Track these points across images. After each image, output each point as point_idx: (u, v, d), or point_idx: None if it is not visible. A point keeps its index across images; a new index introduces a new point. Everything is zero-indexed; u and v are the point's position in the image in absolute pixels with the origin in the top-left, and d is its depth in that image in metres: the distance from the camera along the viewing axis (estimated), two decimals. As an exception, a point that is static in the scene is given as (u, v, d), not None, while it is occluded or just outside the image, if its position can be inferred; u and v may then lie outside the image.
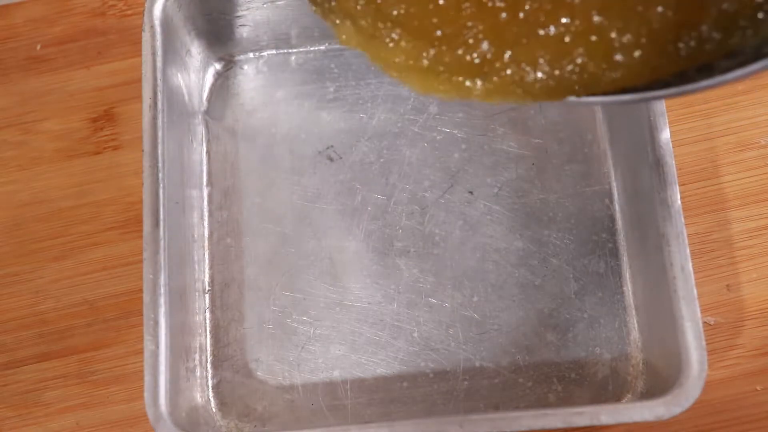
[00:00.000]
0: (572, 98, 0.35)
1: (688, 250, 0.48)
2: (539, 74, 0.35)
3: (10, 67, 0.60)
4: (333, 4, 0.39)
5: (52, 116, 0.59)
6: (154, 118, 0.51)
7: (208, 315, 0.54)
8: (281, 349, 0.54)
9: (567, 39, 0.34)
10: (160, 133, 0.51)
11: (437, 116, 0.58)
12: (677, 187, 0.49)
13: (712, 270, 0.55)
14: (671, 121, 0.52)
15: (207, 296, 0.55)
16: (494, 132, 0.57)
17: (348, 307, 0.54)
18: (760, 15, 0.33)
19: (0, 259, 0.57)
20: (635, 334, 0.53)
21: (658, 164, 0.50)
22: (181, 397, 0.49)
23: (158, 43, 0.53)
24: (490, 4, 0.35)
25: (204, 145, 0.58)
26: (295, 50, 0.59)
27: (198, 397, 0.52)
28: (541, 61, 0.35)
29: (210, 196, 0.57)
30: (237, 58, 0.59)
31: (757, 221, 0.55)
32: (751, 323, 0.54)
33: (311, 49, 0.59)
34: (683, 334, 0.47)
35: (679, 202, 0.49)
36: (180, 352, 0.50)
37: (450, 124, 0.58)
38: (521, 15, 0.35)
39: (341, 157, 0.57)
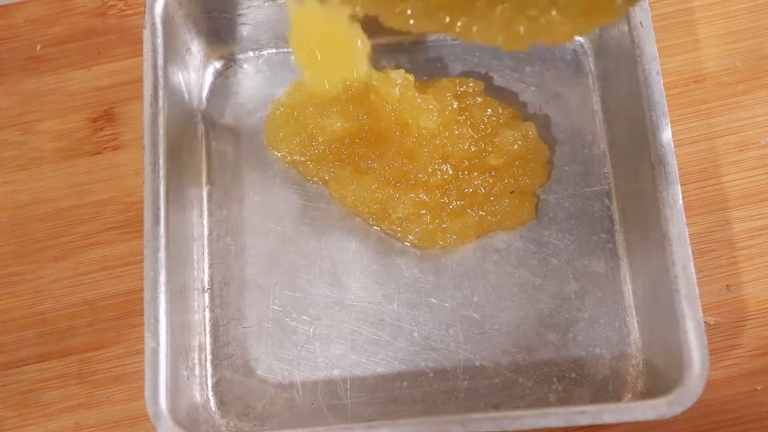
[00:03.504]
0: None
1: (690, 250, 0.48)
2: None
3: (10, 67, 0.60)
4: None
5: (52, 116, 0.59)
6: (155, 115, 0.51)
7: (207, 314, 0.54)
8: (281, 348, 0.54)
9: None
10: (160, 131, 0.51)
11: (437, 116, 0.58)
12: (679, 186, 0.49)
13: (712, 270, 0.55)
14: (671, 121, 0.52)
15: (207, 295, 0.55)
16: (495, 132, 0.57)
17: (348, 306, 0.54)
18: None
19: (0, 259, 0.56)
20: (635, 333, 0.53)
21: (659, 164, 0.50)
22: (180, 395, 0.49)
23: (159, 41, 0.53)
24: None
25: (204, 143, 0.58)
26: (294, 49, 0.59)
27: (197, 396, 0.52)
28: None
29: (210, 194, 0.57)
30: (237, 56, 0.59)
31: (757, 221, 0.55)
32: (751, 323, 0.54)
33: (311, 48, 0.59)
34: (685, 333, 0.47)
35: (681, 201, 0.49)
36: (180, 350, 0.50)
37: (450, 123, 0.58)
38: None
39: (341, 157, 0.57)
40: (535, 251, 0.55)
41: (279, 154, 0.56)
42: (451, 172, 0.54)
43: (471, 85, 0.56)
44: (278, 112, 0.56)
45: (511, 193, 0.54)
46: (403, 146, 0.54)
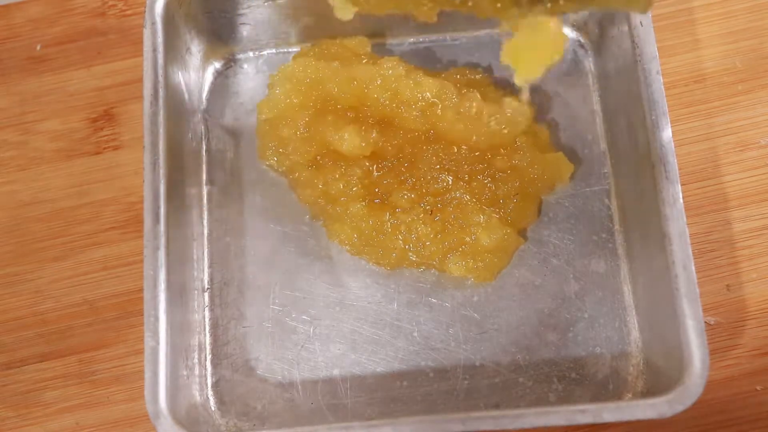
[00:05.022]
0: None
1: (690, 249, 0.48)
2: None
3: (10, 67, 0.60)
4: None
5: (52, 116, 0.59)
6: (155, 114, 0.51)
7: (207, 313, 0.54)
8: (281, 347, 0.54)
9: None
10: (160, 130, 0.51)
11: (438, 116, 0.58)
12: (679, 185, 0.49)
13: (712, 270, 0.55)
14: (671, 121, 0.51)
15: (206, 294, 0.55)
16: (495, 132, 0.57)
17: (348, 305, 0.54)
18: None
19: (0, 259, 0.56)
20: (635, 333, 0.53)
21: (659, 163, 0.50)
22: (180, 394, 0.49)
23: (159, 41, 0.53)
24: None
25: (204, 143, 0.58)
26: (294, 49, 0.59)
27: (197, 396, 0.52)
28: None
29: (209, 194, 0.57)
30: (237, 56, 0.59)
31: (757, 221, 0.55)
32: (751, 323, 0.54)
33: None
34: (685, 332, 0.47)
35: (681, 200, 0.49)
36: (180, 349, 0.50)
37: (450, 123, 0.58)
38: None
39: (341, 157, 0.57)
40: (535, 251, 0.55)
41: (267, 163, 0.56)
42: (451, 181, 0.54)
43: (479, 72, 0.56)
44: (262, 117, 0.55)
45: (515, 195, 0.54)
46: (403, 150, 0.54)
